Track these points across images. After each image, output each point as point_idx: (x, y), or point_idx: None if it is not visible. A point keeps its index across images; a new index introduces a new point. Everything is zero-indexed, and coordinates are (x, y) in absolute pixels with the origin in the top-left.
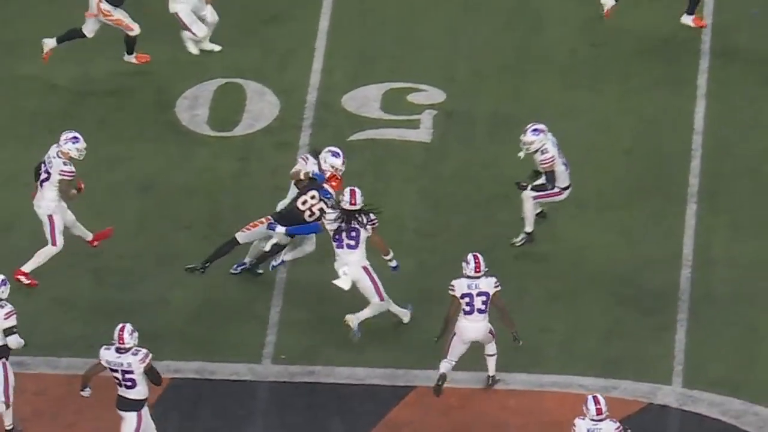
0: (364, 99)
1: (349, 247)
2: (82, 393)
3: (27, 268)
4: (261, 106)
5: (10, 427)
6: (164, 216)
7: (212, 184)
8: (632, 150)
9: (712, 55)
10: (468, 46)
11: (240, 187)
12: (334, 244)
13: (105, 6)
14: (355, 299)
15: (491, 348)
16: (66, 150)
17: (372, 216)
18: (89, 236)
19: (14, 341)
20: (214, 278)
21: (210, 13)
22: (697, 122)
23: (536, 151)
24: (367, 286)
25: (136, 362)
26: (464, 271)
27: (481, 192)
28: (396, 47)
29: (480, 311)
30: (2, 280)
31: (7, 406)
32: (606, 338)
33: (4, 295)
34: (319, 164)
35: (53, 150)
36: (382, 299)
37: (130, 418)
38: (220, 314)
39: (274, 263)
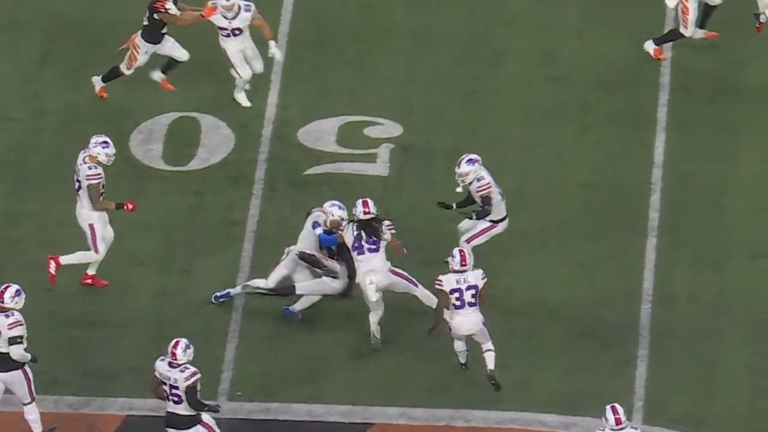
0: (320, 133)
1: (371, 251)
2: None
3: (91, 270)
4: (216, 140)
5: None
6: (118, 252)
7: (167, 219)
8: (591, 184)
9: (671, 88)
10: (425, 80)
11: (195, 222)
12: (355, 253)
13: (139, 40)
14: (315, 336)
15: (488, 344)
16: (95, 154)
17: (387, 222)
18: (93, 270)
19: (16, 352)
20: (169, 315)
21: (259, 62)
22: (657, 156)
23: (472, 181)
24: (400, 283)
25: (181, 379)
26: (450, 266)
27: (438, 227)
28: (352, 80)
29: (471, 304)
30: (17, 291)
31: (34, 401)
32: (566, 374)
33: (18, 306)
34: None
35: (80, 157)
36: (417, 286)
37: None
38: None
39: (218, 294)
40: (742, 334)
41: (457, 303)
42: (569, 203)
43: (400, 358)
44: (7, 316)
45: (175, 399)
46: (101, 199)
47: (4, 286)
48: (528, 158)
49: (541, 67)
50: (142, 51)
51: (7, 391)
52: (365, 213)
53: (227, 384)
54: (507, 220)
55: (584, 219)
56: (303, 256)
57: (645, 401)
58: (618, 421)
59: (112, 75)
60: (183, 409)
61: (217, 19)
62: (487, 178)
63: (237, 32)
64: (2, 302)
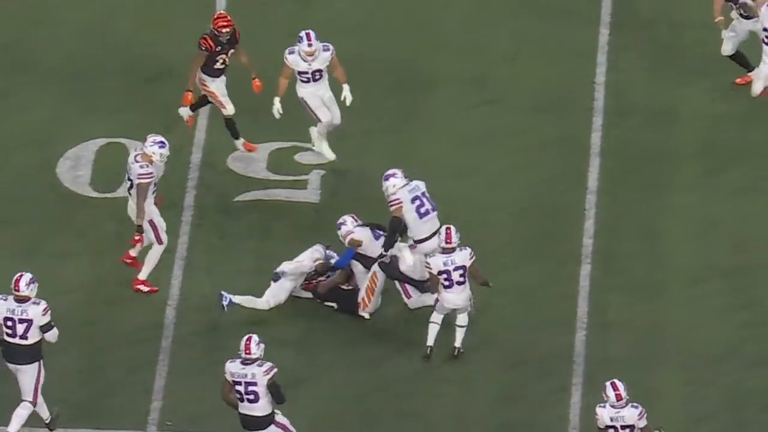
0: (250, 159)
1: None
2: None
3: (143, 275)
4: None
5: (48, 419)
6: (46, 279)
7: (95, 246)
8: (525, 209)
9: (605, 112)
10: (356, 105)
11: (124, 249)
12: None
13: (202, 75)
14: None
15: (463, 319)
16: (149, 152)
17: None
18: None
19: (53, 336)
20: (99, 343)
21: (337, 110)
22: (591, 181)
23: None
24: None
25: (260, 373)
26: (439, 244)
27: None
28: (282, 106)
29: (459, 283)
30: (31, 279)
31: (34, 406)
32: (500, 402)
33: (33, 294)
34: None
35: (131, 156)
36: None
37: None
38: (105, 380)
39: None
40: (677, 362)
41: (446, 283)
42: (503, 229)
43: (335, 387)
44: (37, 304)
45: (251, 398)
46: (148, 199)
47: (17, 275)
48: (461, 184)
49: (473, 92)
50: (212, 84)
51: None
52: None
53: (157, 414)
54: (433, 240)
55: (518, 245)
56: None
57: (580, 430)
58: (618, 397)
59: (230, 127)
60: (259, 409)
61: (296, 63)
62: (399, 195)
63: (318, 75)
64: (18, 290)
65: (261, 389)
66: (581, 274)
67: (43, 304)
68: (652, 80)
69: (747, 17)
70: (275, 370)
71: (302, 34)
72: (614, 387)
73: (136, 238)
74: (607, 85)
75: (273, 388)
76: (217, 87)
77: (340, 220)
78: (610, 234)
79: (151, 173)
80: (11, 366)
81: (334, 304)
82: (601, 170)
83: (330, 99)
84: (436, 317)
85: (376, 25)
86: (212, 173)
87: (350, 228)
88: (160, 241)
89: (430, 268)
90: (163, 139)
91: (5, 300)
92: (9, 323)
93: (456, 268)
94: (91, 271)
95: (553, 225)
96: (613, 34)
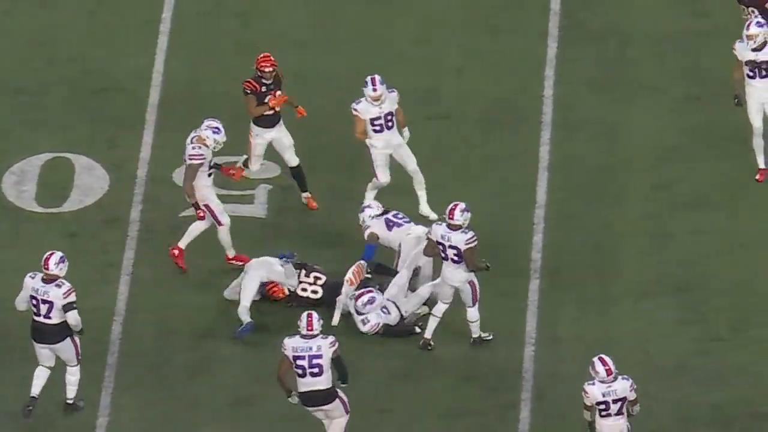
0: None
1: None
2: (290, 400)
3: (230, 253)
4: (90, 182)
5: (72, 401)
6: None
7: (41, 261)
8: (474, 224)
9: (553, 126)
10: (304, 120)
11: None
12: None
13: (253, 127)
14: (194, 381)
15: (471, 314)
16: (204, 136)
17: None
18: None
19: (73, 317)
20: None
21: (413, 170)
22: (540, 195)
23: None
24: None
25: (326, 345)
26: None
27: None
28: (228, 121)
29: (454, 261)
30: (61, 258)
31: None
32: (448, 418)
33: (62, 273)
34: None
35: (189, 136)
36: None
37: (336, 409)
38: (51, 396)
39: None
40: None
41: (442, 255)
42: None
43: (281, 405)
44: (59, 286)
45: (315, 371)
46: (203, 182)
47: (48, 254)
48: (409, 198)
49: (421, 106)
50: (254, 134)
51: None
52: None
53: (103, 430)
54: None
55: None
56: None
57: None
58: (609, 372)
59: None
60: (323, 383)
61: (366, 112)
62: (368, 222)
63: (389, 120)
64: (47, 269)
65: (325, 362)
66: (530, 288)
67: (66, 287)
68: (601, 94)
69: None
70: (338, 344)
71: (367, 79)
72: (603, 362)
73: (200, 214)
74: (556, 99)
75: (338, 361)
76: (259, 142)
77: (366, 203)
78: (560, 248)
79: (201, 155)
80: (41, 347)
81: (323, 277)
82: (550, 184)
83: (399, 145)
84: (438, 310)
85: (320, 39)
86: (158, 188)
87: (368, 221)
88: (219, 223)
89: (430, 235)
90: (218, 125)
91: (33, 278)
92: (33, 302)
93: (450, 246)
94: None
95: (501, 239)
96: (560, 47)
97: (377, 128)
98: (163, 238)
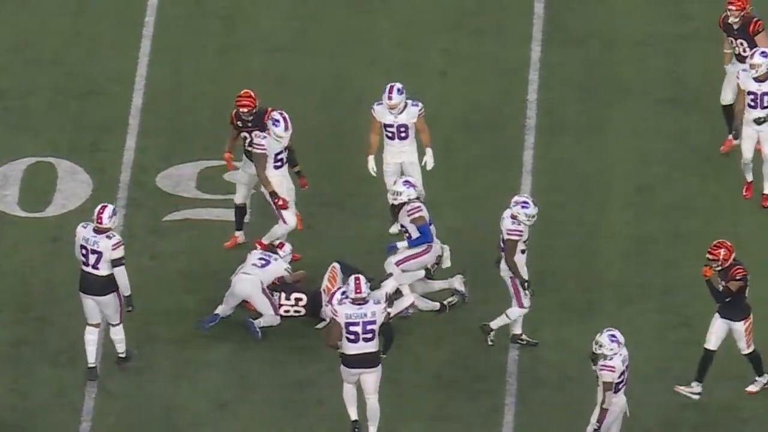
0: (179, 178)
1: None
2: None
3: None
4: (73, 186)
5: (124, 354)
6: None
7: (23, 266)
8: (456, 228)
9: (537, 130)
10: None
11: (52, 270)
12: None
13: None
14: (178, 386)
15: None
16: (268, 126)
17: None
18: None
19: (121, 274)
20: (27, 364)
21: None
22: None
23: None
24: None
25: (379, 311)
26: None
27: (306, 270)
28: (211, 125)
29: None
30: (113, 211)
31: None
32: (431, 422)
33: (114, 225)
34: None
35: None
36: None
37: (373, 373)
38: (33, 401)
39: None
40: None
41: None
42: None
43: (263, 408)
44: (109, 237)
45: (369, 336)
46: (270, 171)
47: (100, 206)
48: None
49: None
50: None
51: None
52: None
53: None
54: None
55: (451, 264)
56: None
57: None
58: (620, 344)
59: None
60: (374, 346)
61: (382, 115)
62: (416, 202)
63: (403, 132)
64: (101, 222)
65: (377, 327)
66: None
67: (116, 239)
68: (584, 98)
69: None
70: (389, 310)
71: (387, 85)
72: (613, 337)
73: (279, 203)
74: (539, 103)
75: (387, 328)
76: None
77: (411, 181)
78: (543, 253)
79: (262, 145)
80: (87, 298)
81: (302, 296)
82: (534, 188)
83: (411, 165)
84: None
85: (304, 42)
86: (141, 192)
87: (414, 203)
88: (283, 220)
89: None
90: (278, 117)
91: (85, 228)
92: (83, 251)
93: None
94: (19, 291)
95: (485, 244)
96: (544, 51)
97: (389, 135)
98: (146, 242)
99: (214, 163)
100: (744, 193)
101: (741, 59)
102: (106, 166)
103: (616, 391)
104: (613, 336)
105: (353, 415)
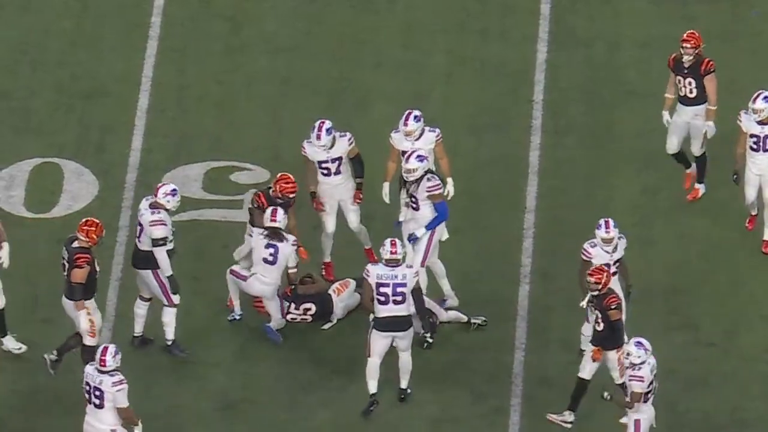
0: (185, 178)
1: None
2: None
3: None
4: (79, 187)
5: (170, 341)
6: None
7: (29, 267)
8: (462, 229)
9: (543, 131)
10: (292, 124)
11: (58, 271)
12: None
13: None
14: (182, 385)
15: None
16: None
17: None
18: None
19: (160, 254)
20: (33, 365)
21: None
22: (530, 200)
23: (420, 179)
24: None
25: (410, 275)
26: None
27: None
28: (217, 126)
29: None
30: (173, 190)
31: (172, 306)
32: (437, 423)
33: (169, 205)
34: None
35: None
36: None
37: (408, 337)
38: (39, 403)
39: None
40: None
41: None
42: (441, 248)
43: (270, 410)
44: (153, 213)
45: (398, 299)
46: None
47: (159, 184)
48: (399, 205)
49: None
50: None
51: None
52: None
53: None
54: None
55: (456, 265)
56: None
57: None
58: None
59: None
60: (405, 309)
61: (399, 142)
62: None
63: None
64: (156, 196)
65: (408, 291)
66: (520, 294)
67: (158, 215)
68: (590, 99)
69: None
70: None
71: (405, 112)
72: (640, 345)
73: (315, 205)
74: (545, 104)
75: (417, 292)
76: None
77: (422, 154)
78: (550, 254)
79: (305, 149)
80: (135, 270)
81: (311, 306)
82: (540, 189)
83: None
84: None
85: (309, 44)
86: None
87: (435, 179)
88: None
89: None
90: (315, 125)
91: (147, 200)
92: (138, 221)
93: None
94: (25, 292)
95: (491, 245)
96: (550, 52)
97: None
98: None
99: (221, 163)
100: (746, 225)
101: (686, 101)
102: (112, 167)
103: (645, 400)
104: (639, 343)
105: (373, 388)
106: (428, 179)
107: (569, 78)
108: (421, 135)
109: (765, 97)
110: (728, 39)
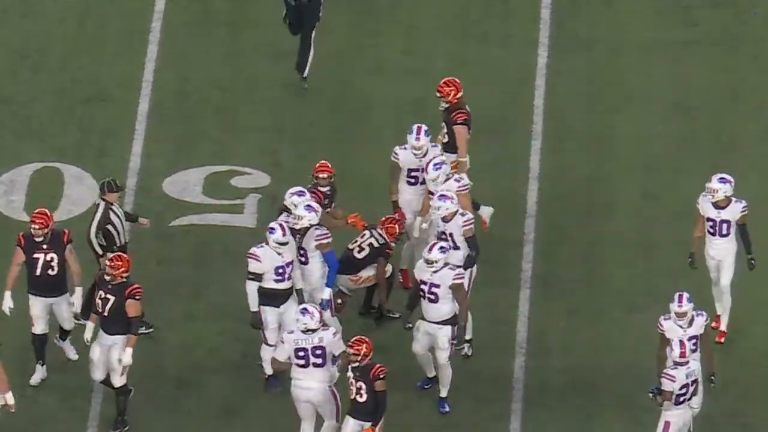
0: (185, 183)
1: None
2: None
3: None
4: (79, 191)
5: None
6: None
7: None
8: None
9: (544, 136)
10: (292, 129)
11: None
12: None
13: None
14: (186, 391)
15: None
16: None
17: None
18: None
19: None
20: (32, 371)
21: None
22: (530, 205)
23: (447, 216)
24: None
25: (449, 276)
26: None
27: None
28: (218, 130)
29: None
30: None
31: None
32: (438, 429)
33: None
34: None
35: None
36: None
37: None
38: (40, 406)
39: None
40: (617, 388)
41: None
42: None
43: (273, 416)
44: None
45: (432, 297)
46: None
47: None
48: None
49: (410, 115)
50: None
51: None
52: None
53: None
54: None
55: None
56: None
57: None
58: (683, 354)
59: None
60: (443, 305)
61: (406, 160)
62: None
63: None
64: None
65: (443, 291)
66: (520, 298)
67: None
68: (590, 103)
69: None
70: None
71: (413, 126)
72: (682, 344)
73: (398, 215)
74: (546, 109)
75: (458, 290)
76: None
77: (313, 205)
78: (550, 259)
79: (397, 155)
80: None
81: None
82: (540, 194)
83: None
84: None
85: None
86: (147, 198)
87: (322, 228)
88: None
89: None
90: (413, 128)
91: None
92: None
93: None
94: (25, 296)
95: (492, 250)
96: (551, 57)
97: (411, 181)
98: (152, 248)
99: (221, 168)
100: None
101: (446, 148)
102: (113, 172)
103: (677, 403)
104: (681, 344)
105: (430, 373)
106: (316, 228)
107: (570, 83)
108: (427, 152)
109: (721, 178)
110: (730, 44)
